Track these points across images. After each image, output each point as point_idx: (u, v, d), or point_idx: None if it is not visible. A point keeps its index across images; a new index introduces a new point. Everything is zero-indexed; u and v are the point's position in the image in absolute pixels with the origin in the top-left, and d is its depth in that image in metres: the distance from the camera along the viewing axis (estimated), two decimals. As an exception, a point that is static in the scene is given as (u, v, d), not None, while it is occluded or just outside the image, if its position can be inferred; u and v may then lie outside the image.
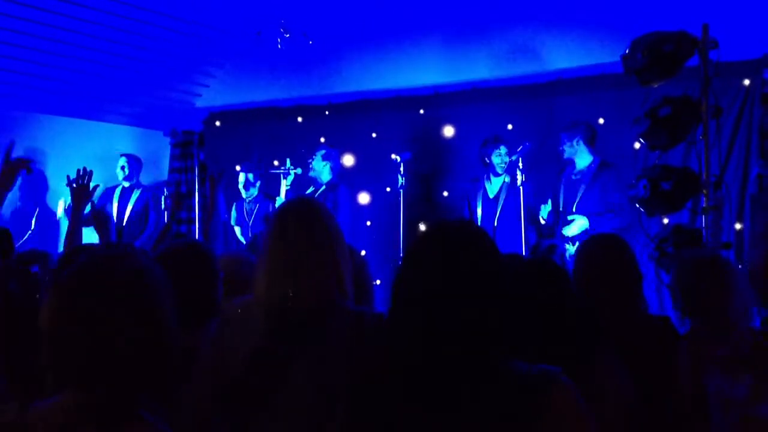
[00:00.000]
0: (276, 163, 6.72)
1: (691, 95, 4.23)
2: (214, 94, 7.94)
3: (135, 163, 7.06)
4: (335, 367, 1.91)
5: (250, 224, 6.50)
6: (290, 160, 6.42)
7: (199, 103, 8.07)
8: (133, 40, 6.66)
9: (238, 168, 6.63)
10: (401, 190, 5.92)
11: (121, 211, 6.84)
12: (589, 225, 5.30)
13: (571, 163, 5.61)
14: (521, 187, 5.51)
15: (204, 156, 7.93)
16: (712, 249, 4.06)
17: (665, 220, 5.09)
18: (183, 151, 8.08)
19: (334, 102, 7.20)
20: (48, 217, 7.11)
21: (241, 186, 6.57)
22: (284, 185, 6.35)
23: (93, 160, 6.55)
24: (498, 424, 1.46)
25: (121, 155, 7.07)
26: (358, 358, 1.86)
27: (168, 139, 8.20)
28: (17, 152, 3.40)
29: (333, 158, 6.35)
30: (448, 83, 6.66)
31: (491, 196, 5.87)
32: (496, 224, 5.74)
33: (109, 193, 6.88)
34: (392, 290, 1.62)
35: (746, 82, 5.52)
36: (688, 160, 5.32)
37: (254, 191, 6.59)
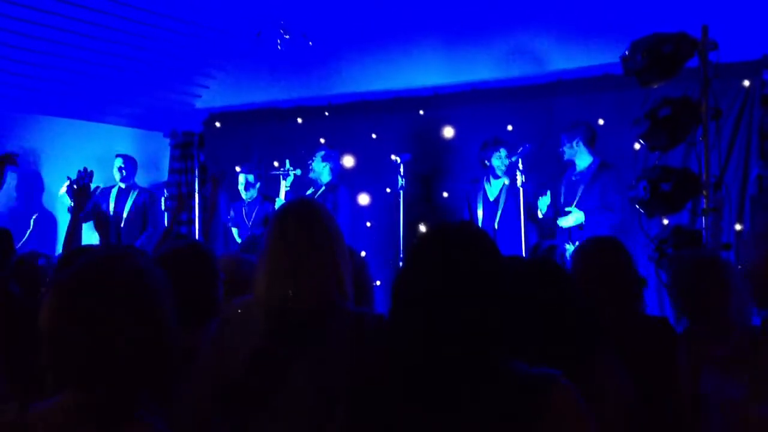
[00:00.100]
0: (276, 164, 6.72)
1: (690, 96, 4.23)
2: (214, 95, 7.94)
3: (131, 164, 7.06)
4: (335, 368, 1.91)
5: (249, 225, 6.50)
6: (289, 161, 6.43)
7: (199, 104, 8.08)
8: (133, 41, 6.66)
9: (238, 169, 6.63)
10: (401, 191, 5.92)
11: (119, 211, 6.84)
12: (585, 219, 5.31)
13: (572, 165, 5.62)
14: (521, 188, 5.52)
15: (204, 157, 7.94)
16: (711, 250, 4.05)
17: (665, 221, 5.09)
18: (183, 152, 8.08)
19: (334, 103, 7.21)
20: (47, 218, 7.11)
21: (242, 187, 6.56)
22: (284, 186, 6.35)
23: (93, 161, 6.56)
24: (498, 425, 1.46)
25: (117, 156, 7.05)
26: (359, 359, 1.86)
27: (168, 140, 8.20)
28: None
29: (333, 159, 6.35)
30: (447, 84, 6.66)
31: (491, 198, 5.87)
32: (496, 227, 5.74)
33: (105, 193, 6.87)
34: (392, 291, 1.62)
35: (746, 83, 5.52)
36: (687, 161, 5.32)
37: (254, 192, 6.59)
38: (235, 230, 6.61)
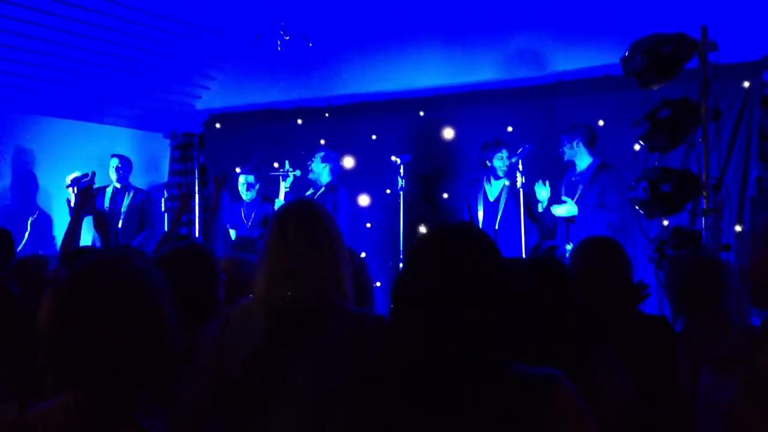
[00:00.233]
0: (276, 165, 6.72)
1: (690, 97, 4.23)
2: (214, 96, 7.95)
3: (127, 164, 7.06)
4: (335, 369, 1.91)
5: (248, 226, 6.49)
6: (289, 162, 6.43)
7: (199, 105, 8.09)
8: (133, 42, 6.66)
9: (238, 170, 6.63)
10: (401, 192, 5.92)
11: (115, 212, 6.84)
12: (581, 217, 5.31)
13: (572, 165, 5.63)
14: (521, 189, 5.52)
15: (204, 158, 7.95)
16: (711, 250, 4.05)
17: (665, 222, 5.09)
18: (183, 153, 8.09)
19: (334, 104, 7.21)
20: (43, 218, 7.11)
21: (243, 189, 6.56)
22: (283, 187, 6.35)
23: (93, 162, 6.56)
24: (498, 425, 1.46)
25: (113, 156, 7.03)
26: (359, 359, 1.86)
27: (168, 142, 8.21)
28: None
29: (332, 160, 6.35)
30: (448, 85, 6.67)
31: (491, 199, 5.87)
32: (497, 227, 5.74)
33: (99, 193, 6.86)
34: (392, 292, 1.62)
35: (746, 84, 5.53)
36: (687, 162, 5.32)
37: (254, 193, 6.59)
38: (233, 231, 6.61)
